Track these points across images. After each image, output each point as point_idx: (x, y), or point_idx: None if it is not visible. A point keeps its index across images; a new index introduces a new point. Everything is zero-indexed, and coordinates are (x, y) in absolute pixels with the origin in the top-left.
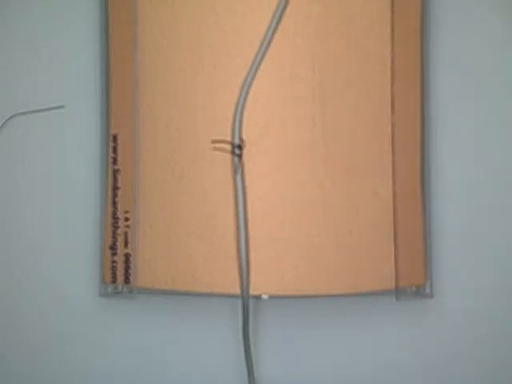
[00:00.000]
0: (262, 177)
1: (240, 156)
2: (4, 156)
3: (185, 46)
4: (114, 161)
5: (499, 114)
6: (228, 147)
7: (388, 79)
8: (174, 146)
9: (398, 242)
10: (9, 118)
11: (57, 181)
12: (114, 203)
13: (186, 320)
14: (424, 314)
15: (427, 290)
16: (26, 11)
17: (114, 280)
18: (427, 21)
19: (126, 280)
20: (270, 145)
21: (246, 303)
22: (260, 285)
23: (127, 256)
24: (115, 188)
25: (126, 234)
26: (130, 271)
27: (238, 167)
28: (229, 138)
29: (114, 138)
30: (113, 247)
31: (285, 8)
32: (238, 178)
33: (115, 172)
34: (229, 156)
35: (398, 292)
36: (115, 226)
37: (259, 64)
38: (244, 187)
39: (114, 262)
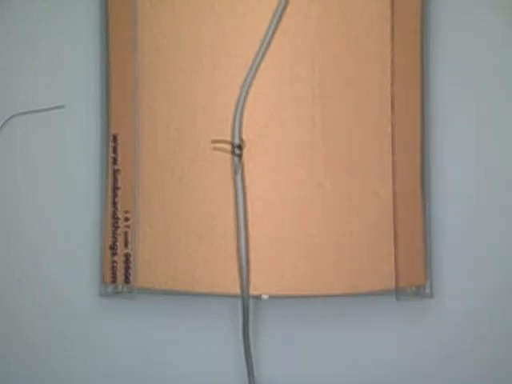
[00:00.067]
0: (262, 177)
1: (240, 156)
2: (4, 156)
3: (185, 46)
4: (114, 161)
5: (499, 114)
6: (228, 147)
7: (388, 79)
8: (174, 146)
9: (398, 242)
10: (9, 118)
11: (57, 181)
12: (114, 203)
13: (186, 320)
14: (424, 314)
15: (427, 290)
16: (25, 11)
17: (114, 280)
18: (427, 21)
19: (126, 280)
20: (270, 145)
21: (246, 303)
22: (260, 285)
23: (127, 256)
24: (115, 188)
25: (126, 234)
26: (130, 271)
27: (237, 167)
28: (229, 138)
29: (114, 138)
30: (113, 247)
31: (285, 8)
32: (238, 177)
33: (115, 172)
34: (229, 156)
35: (398, 292)
36: (115, 226)
37: (259, 64)
38: (244, 187)
39: (113, 262)
